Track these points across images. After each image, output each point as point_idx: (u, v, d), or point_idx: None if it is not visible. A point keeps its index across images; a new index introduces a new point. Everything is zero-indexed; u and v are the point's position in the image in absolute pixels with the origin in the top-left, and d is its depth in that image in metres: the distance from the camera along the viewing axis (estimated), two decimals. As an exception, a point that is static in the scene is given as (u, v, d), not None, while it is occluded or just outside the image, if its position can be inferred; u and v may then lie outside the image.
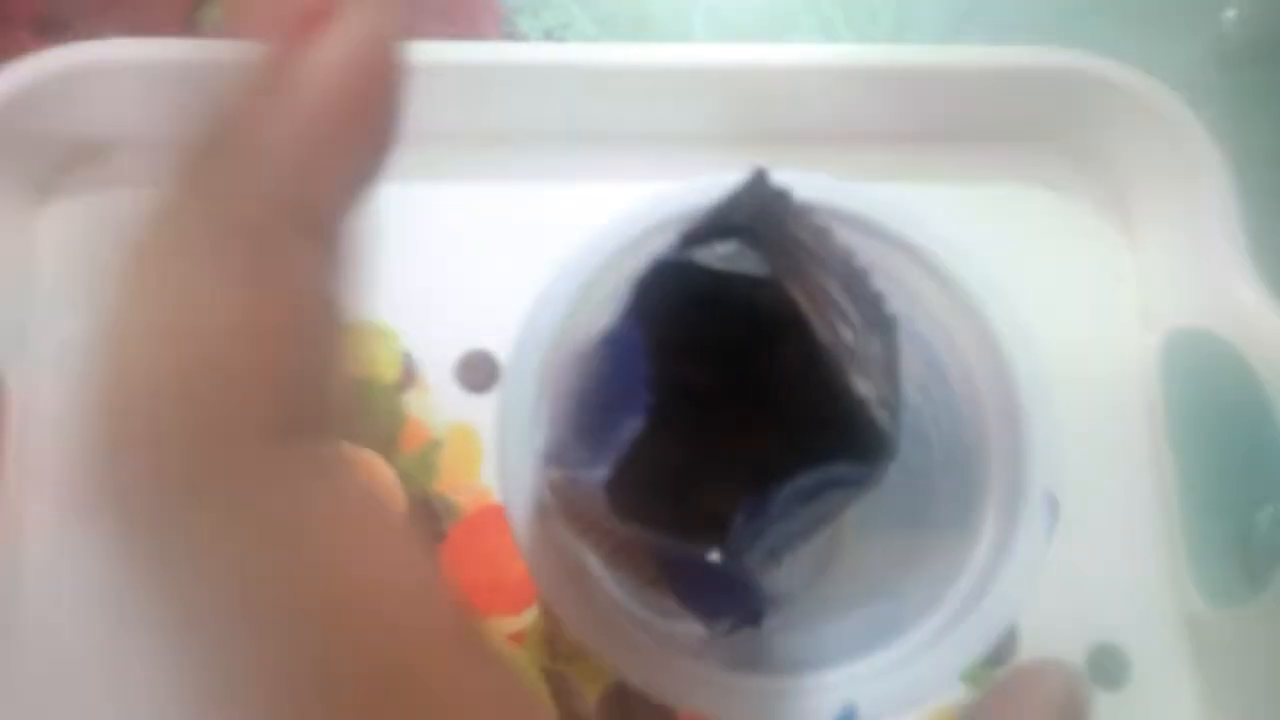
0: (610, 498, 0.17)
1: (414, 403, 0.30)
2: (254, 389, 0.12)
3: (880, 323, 0.18)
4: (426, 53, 0.31)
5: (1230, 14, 0.38)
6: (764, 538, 0.18)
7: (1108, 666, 0.30)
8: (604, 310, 0.20)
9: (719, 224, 0.18)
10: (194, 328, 0.12)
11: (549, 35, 0.38)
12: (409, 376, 0.31)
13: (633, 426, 0.17)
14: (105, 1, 0.38)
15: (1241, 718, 0.29)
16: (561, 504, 0.19)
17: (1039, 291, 0.32)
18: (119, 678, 0.28)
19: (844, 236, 0.18)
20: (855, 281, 0.18)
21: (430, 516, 0.29)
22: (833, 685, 0.21)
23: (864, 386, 0.18)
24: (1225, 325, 0.29)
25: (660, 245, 0.18)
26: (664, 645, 0.21)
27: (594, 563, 0.21)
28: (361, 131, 0.13)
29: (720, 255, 0.19)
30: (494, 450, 0.21)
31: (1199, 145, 0.31)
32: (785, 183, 0.18)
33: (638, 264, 0.18)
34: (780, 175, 0.18)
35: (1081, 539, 0.30)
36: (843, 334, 0.18)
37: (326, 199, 0.13)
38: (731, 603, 0.18)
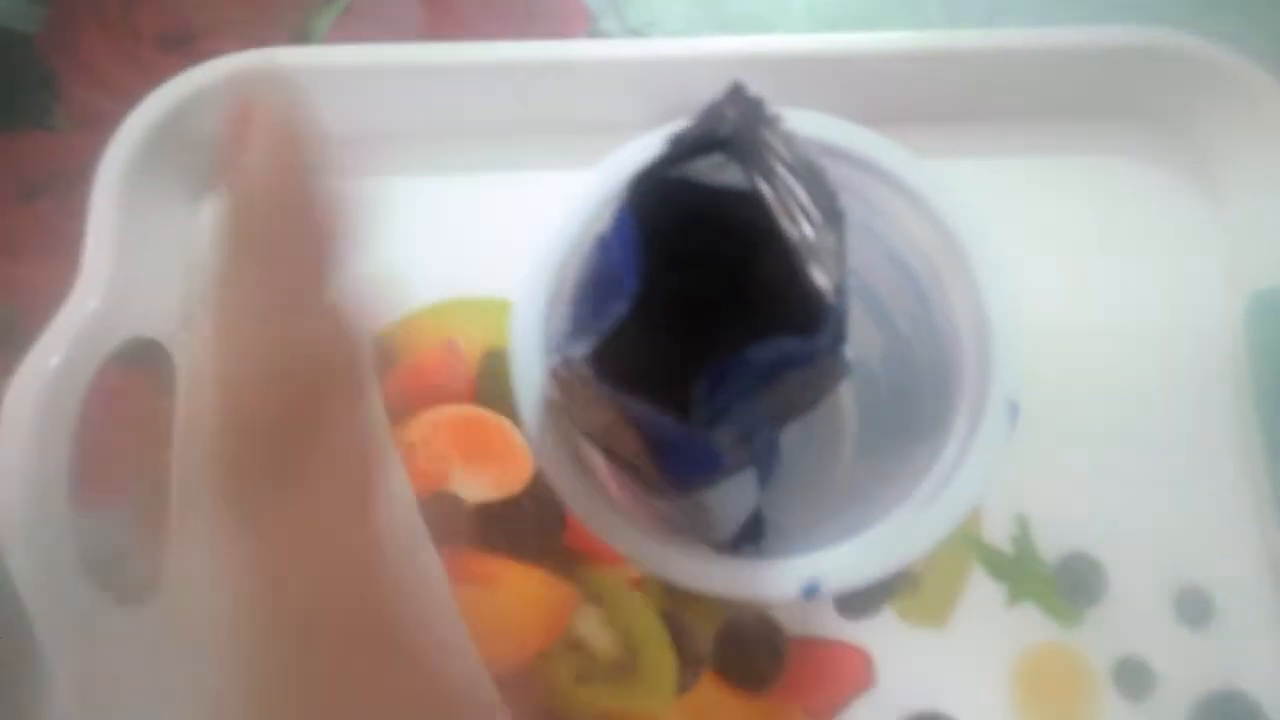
0: (595, 366, 0.19)
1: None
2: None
3: (835, 216, 0.20)
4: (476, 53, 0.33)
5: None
6: (730, 414, 0.19)
7: (1194, 606, 0.31)
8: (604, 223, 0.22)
9: (705, 137, 0.20)
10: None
11: (636, 33, 0.39)
12: (533, 346, 0.33)
13: (620, 307, 0.19)
14: (224, 17, 0.41)
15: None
16: (560, 387, 0.22)
17: (1129, 257, 0.34)
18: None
19: (806, 143, 0.20)
20: (814, 181, 0.20)
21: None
22: (802, 566, 0.23)
23: (822, 278, 0.20)
24: (1308, 283, 0.31)
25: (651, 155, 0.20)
26: (655, 527, 0.23)
27: (588, 449, 0.23)
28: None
29: (708, 167, 0.21)
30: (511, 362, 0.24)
31: (1281, 113, 0.32)
32: (758, 94, 0.20)
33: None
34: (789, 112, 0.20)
35: (1169, 487, 0.32)
36: (804, 229, 0.20)
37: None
38: (701, 472, 0.20)
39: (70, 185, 0.37)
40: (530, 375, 0.24)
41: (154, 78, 0.38)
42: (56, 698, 0.27)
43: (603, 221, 0.23)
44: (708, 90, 0.21)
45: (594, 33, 0.39)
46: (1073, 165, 0.35)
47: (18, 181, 0.38)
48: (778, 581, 0.23)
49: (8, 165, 0.38)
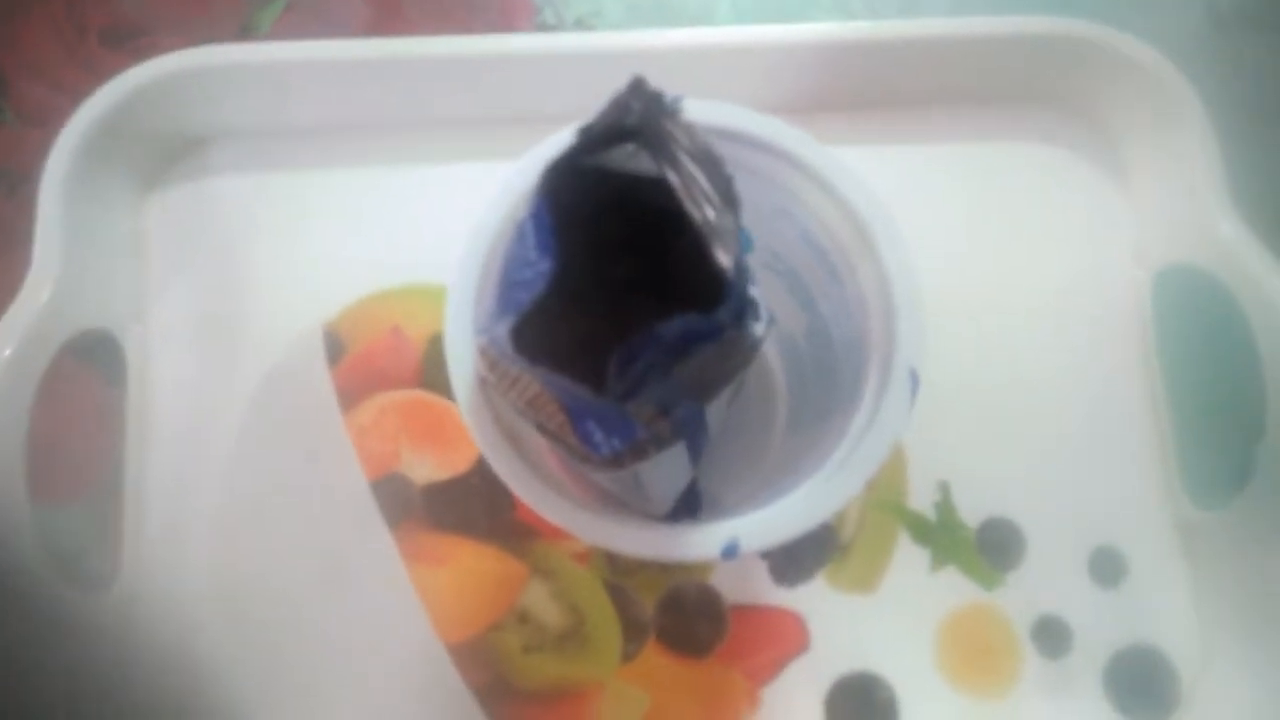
0: (515, 341, 0.20)
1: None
2: None
3: (731, 199, 0.21)
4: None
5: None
6: (645, 387, 0.21)
7: (1107, 566, 0.33)
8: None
9: (613, 128, 0.21)
10: None
11: (580, 24, 0.40)
12: (478, 331, 0.34)
13: (537, 284, 0.20)
14: (169, 14, 0.41)
15: (1225, 609, 0.32)
16: (488, 364, 0.23)
17: (1044, 236, 0.36)
18: (233, 623, 0.32)
19: (712, 127, 0.21)
20: (711, 166, 0.21)
21: (502, 453, 0.33)
22: (723, 529, 0.24)
23: (724, 256, 0.21)
24: (1209, 259, 0.32)
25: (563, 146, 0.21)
26: (593, 501, 0.25)
27: (523, 426, 0.25)
28: None
29: (622, 156, 0.22)
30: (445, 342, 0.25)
31: (1186, 101, 0.33)
32: (657, 87, 0.21)
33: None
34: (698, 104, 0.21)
35: (1082, 454, 0.34)
36: (707, 212, 0.21)
37: None
38: (617, 440, 0.21)
39: (20, 181, 0.38)
40: (464, 355, 0.25)
41: (100, 73, 0.38)
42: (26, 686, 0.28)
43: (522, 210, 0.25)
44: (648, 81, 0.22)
45: (538, 25, 0.40)
46: (989, 150, 0.37)
47: (-34, 178, 0.38)
48: (701, 544, 0.24)
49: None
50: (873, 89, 0.36)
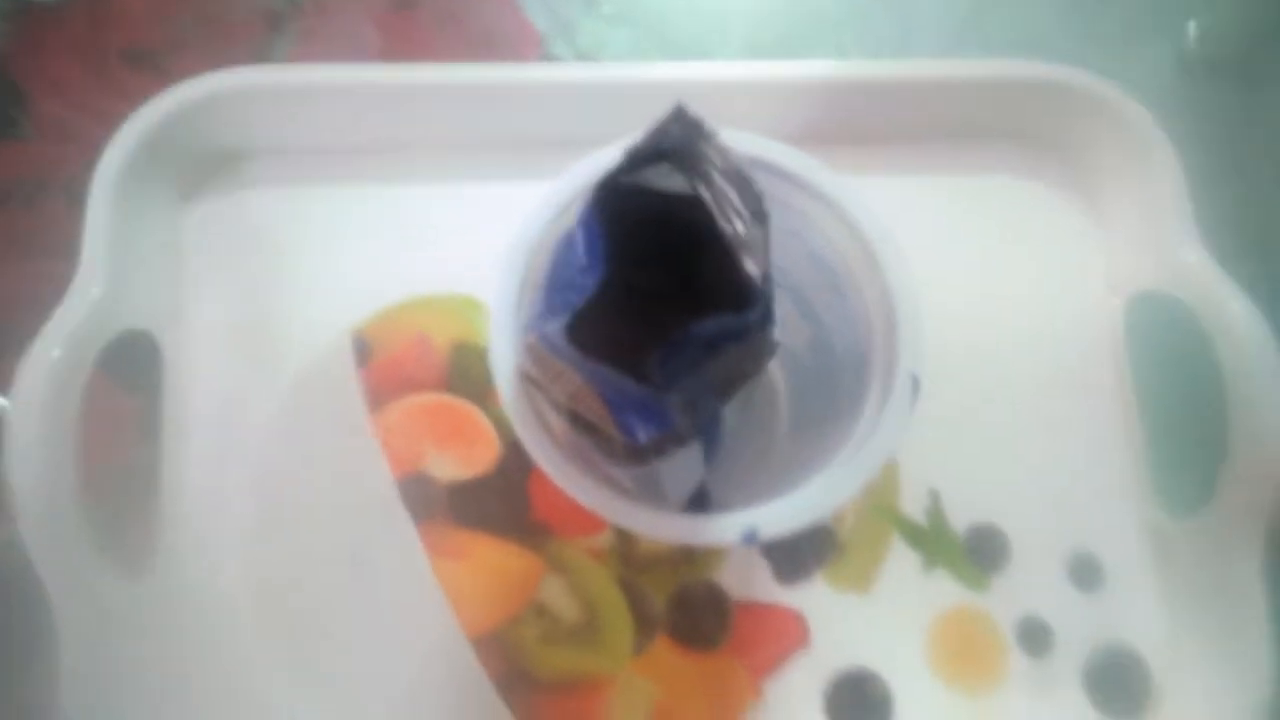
0: (570, 335, 0.22)
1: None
2: None
3: (760, 215, 0.23)
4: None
5: (1192, 28, 0.44)
6: (680, 381, 0.23)
7: (1085, 571, 0.35)
8: (567, 223, 0.25)
9: (654, 149, 0.24)
10: None
11: (583, 55, 0.42)
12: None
13: (590, 286, 0.22)
14: (187, 35, 0.42)
15: (1194, 611, 0.34)
16: (533, 360, 0.25)
17: (1024, 263, 0.38)
18: (260, 618, 0.33)
19: (739, 154, 0.24)
20: (743, 184, 0.23)
21: (521, 455, 0.35)
22: (742, 518, 0.27)
23: (752, 266, 0.23)
24: (1176, 286, 0.35)
25: (610, 162, 0.23)
26: (614, 479, 0.27)
27: (561, 421, 0.27)
28: None
29: (657, 175, 0.24)
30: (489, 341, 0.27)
31: (1154, 139, 0.36)
32: (698, 113, 0.23)
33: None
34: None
35: (1062, 465, 0.36)
36: (737, 226, 0.23)
37: None
38: (655, 430, 0.23)
39: (36, 192, 0.39)
40: (506, 354, 0.27)
41: (120, 93, 0.41)
42: (70, 673, 0.29)
43: (565, 222, 0.27)
44: (653, 110, 0.24)
45: (545, 55, 0.42)
46: (973, 182, 0.39)
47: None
48: (722, 530, 0.26)
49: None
50: (866, 123, 0.38)
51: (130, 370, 0.35)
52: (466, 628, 0.33)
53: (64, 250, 0.37)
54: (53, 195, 0.39)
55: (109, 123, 0.39)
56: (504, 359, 0.27)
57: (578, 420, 0.26)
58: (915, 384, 0.27)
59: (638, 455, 0.26)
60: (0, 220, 0.39)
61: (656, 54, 0.43)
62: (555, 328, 0.23)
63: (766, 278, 0.23)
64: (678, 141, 0.24)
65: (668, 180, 0.24)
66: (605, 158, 0.28)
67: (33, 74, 0.42)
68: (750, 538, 0.26)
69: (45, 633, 0.29)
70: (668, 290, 0.27)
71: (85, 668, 0.29)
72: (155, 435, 0.34)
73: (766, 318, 0.24)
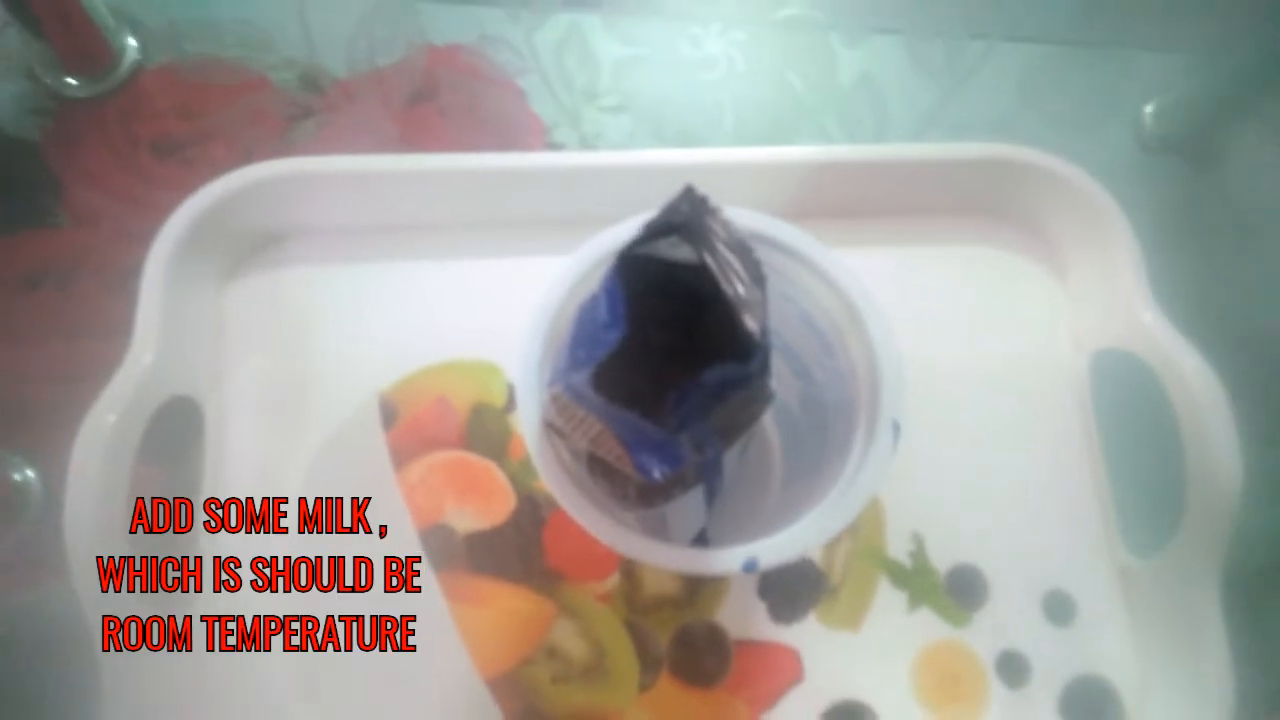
0: (595, 383, 0.25)
1: (517, 422, 0.38)
2: None
3: (759, 279, 0.26)
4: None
5: (1149, 110, 0.48)
6: (690, 424, 0.26)
7: (1058, 607, 0.38)
8: (586, 291, 0.28)
9: (666, 224, 0.27)
10: None
11: (585, 143, 0.46)
12: (513, 402, 0.39)
13: (613, 341, 0.25)
14: (212, 127, 0.45)
15: (1159, 642, 0.37)
16: (558, 409, 0.28)
17: (995, 325, 0.42)
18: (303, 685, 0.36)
19: (739, 228, 0.27)
20: (744, 253, 0.27)
21: (534, 507, 0.38)
22: (743, 550, 0.29)
23: (751, 323, 0.26)
24: (1135, 343, 0.38)
25: (628, 236, 0.26)
26: (625, 522, 0.30)
27: (579, 468, 0.29)
28: None
29: (667, 246, 0.27)
30: (516, 397, 0.30)
31: (1112, 213, 0.40)
32: (704, 192, 0.27)
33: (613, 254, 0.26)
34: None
35: (1035, 508, 0.39)
36: (739, 288, 0.26)
37: None
38: (668, 467, 0.26)
39: (68, 276, 0.42)
40: (533, 407, 0.30)
41: (149, 181, 0.44)
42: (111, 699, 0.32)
43: (582, 292, 0.30)
44: (652, 192, 0.27)
45: (550, 143, 0.46)
46: (949, 251, 0.43)
47: (25, 273, 0.42)
48: (725, 560, 0.29)
49: (15, 260, 0.42)
50: (850, 200, 0.42)
51: (175, 432, 0.38)
52: (483, 669, 0.36)
53: (99, 329, 0.41)
54: (84, 278, 0.42)
55: (139, 210, 0.42)
56: (530, 410, 0.30)
57: (596, 465, 0.29)
58: (896, 428, 0.31)
59: (649, 498, 0.29)
60: (36, 302, 0.42)
61: (652, 141, 0.46)
62: (581, 377, 0.26)
63: (764, 332, 0.27)
64: (687, 217, 0.27)
65: (678, 250, 0.28)
66: (613, 234, 0.32)
67: (68, 164, 0.44)
68: (751, 566, 0.29)
69: (90, 682, 0.32)
70: (679, 345, 0.31)
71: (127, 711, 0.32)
72: (197, 486, 0.37)
73: (765, 368, 0.27)
